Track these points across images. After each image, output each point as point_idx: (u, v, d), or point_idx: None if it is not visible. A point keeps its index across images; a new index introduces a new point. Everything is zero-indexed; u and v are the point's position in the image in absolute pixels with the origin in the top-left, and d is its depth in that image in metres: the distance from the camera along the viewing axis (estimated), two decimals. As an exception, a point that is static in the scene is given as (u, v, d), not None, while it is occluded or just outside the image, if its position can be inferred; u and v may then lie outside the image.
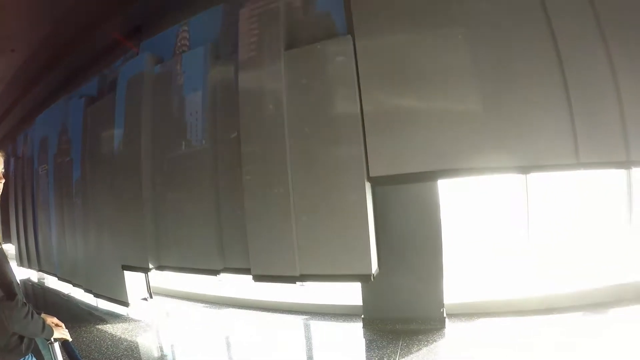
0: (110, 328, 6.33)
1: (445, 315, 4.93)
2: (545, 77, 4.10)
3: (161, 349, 5.54)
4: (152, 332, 5.99)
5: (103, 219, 7.11)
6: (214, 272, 5.64)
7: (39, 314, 2.48)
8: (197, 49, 5.89)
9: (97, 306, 7.55)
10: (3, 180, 2.33)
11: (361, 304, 5.30)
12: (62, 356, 2.55)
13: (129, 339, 5.80)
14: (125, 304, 6.75)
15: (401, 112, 4.50)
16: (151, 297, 7.08)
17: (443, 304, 4.95)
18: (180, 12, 6.29)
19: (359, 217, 4.53)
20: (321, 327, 5.63)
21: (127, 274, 6.66)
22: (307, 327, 5.66)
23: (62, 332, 2.53)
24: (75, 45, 7.58)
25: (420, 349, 4.45)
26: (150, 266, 6.22)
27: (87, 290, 7.80)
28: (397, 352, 4.43)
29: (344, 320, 5.53)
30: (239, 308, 6.47)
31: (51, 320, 2.55)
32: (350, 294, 5.76)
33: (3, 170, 2.35)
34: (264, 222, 4.99)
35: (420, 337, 4.70)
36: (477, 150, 4.27)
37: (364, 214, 4.52)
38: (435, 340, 4.61)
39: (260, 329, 5.72)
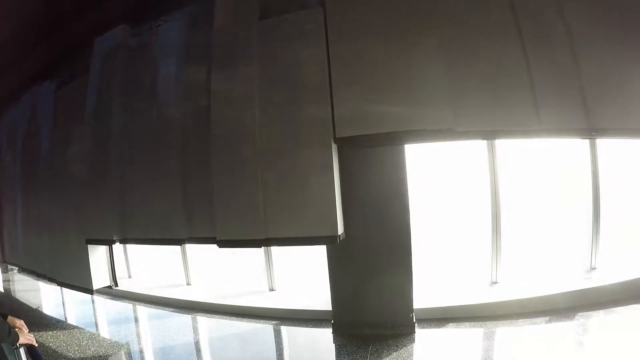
0: (78, 333, 6.22)
1: (414, 320, 4.96)
2: (507, 47, 4.39)
3: (129, 355, 5.45)
4: (120, 338, 5.88)
5: (68, 195, 7.06)
6: (179, 242, 5.70)
7: (5, 317, 2.44)
8: (172, 19, 5.95)
9: (65, 320, 7.37)
10: None
11: (331, 309, 5.29)
12: (27, 361, 2.52)
13: (97, 345, 5.70)
14: (89, 291, 6.68)
15: (368, 75, 4.60)
16: (116, 285, 7.02)
17: (412, 309, 4.98)
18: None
19: (325, 179, 4.61)
20: (291, 333, 5.58)
21: (93, 261, 6.63)
22: (277, 333, 5.61)
23: (27, 337, 2.49)
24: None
25: (390, 353, 4.47)
26: (115, 238, 6.24)
27: (51, 280, 7.75)
28: (366, 357, 4.44)
29: (313, 326, 5.51)
30: (208, 313, 6.40)
31: (20, 323, 2.51)
32: (320, 299, 5.79)
33: None
34: (230, 186, 5.04)
35: (390, 342, 4.73)
36: (442, 113, 4.44)
37: (330, 176, 4.59)
38: (404, 345, 4.64)
39: (230, 335, 5.67)
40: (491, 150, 5.45)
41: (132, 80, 6.22)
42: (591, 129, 4.40)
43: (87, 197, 6.63)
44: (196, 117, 5.46)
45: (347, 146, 4.79)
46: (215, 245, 5.24)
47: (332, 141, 4.63)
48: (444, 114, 4.44)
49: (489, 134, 4.81)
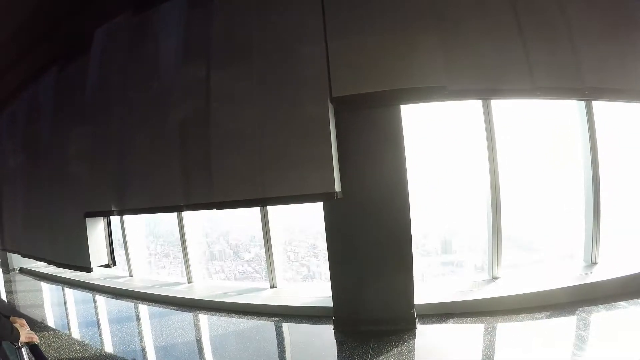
0: (80, 333, 6.24)
1: (415, 315, 4.96)
2: (499, 4, 4.55)
3: (131, 353, 5.45)
4: (121, 337, 5.88)
5: (66, 171, 7.08)
6: (177, 208, 5.86)
7: (7, 317, 2.44)
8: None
9: (67, 318, 7.39)
10: None
11: (332, 305, 5.29)
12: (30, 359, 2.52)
13: (99, 343, 5.72)
14: (87, 269, 6.69)
15: (365, 33, 4.62)
16: (114, 264, 7.02)
17: (413, 305, 4.98)
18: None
19: (322, 136, 4.59)
20: (292, 329, 5.60)
21: (91, 238, 6.62)
22: (278, 329, 5.63)
23: (29, 336, 2.50)
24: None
25: (391, 349, 4.48)
26: (114, 209, 6.29)
27: (50, 262, 7.77)
28: (368, 352, 4.44)
29: (315, 322, 5.51)
30: (209, 311, 6.41)
31: (21, 322, 2.52)
32: (322, 295, 5.81)
33: None
34: (228, 148, 5.05)
35: (391, 337, 4.73)
36: (435, 72, 4.50)
37: (326, 133, 4.58)
38: (406, 341, 4.64)
39: (231, 332, 5.67)
40: (490, 134, 5.49)
41: (130, 52, 6.23)
42: (585, 89, 4.46)
43: (84, 171, 6.69)
44: (194, 85, 5.45)
45: (343, 107, 4.82)
46: (214, 210, 5.32)
47: (329, 100, 4.64)
48: (437, 73, 4.49)
49: (482, 93, 4.88)
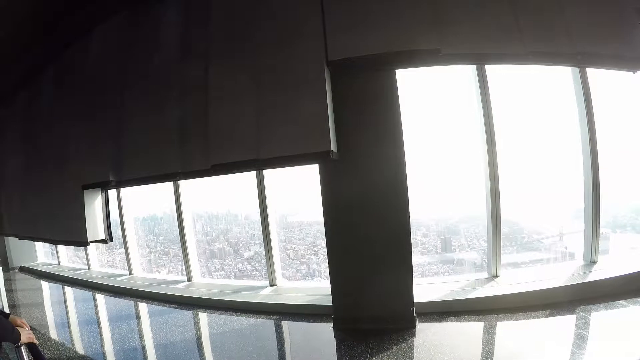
0: (80, 331, 6.24)
1: (415, 314, 4.97)
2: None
3: (131, 352, 5.45)
4: (121, 335, 5.87)
5: (64, 144, 7.15)
6: (174, 176, 5.81)
7: (6, 317, 2.45)
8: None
9: (66, 317, 7.39)
10: None
11: (331, 303, 5.29)
12: (29, 359, 2.53)
13: (98, 342, 5.71)
14: (84, 243, 6.71)
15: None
16: (111, 239, 7.02)
17: (413, 303, 4.99)
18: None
19: (318, 98, 4.66)
20: (292, 328, 5.59)
21: (88, 212, 6.66)
22: (278, 328, 5.63)
23: (29, 336, 2.51)
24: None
25: (390, 347, 4.47)
26: (111, 179, 6.35)
27: (47, 240, 7.92)
28: (367, 351, 4.44)
29: (314, 320, 5.52)
30: (209, 309, 6.41)
31: (21, 322, 2.52)
32: (321, 294, 5.81)
33: None
34: (225, 111, 5.17)
35: (390, 336, 4.73)
36: (428, 35, 4.61)
37: (322, 95, 4.64)
38: (405, 339, 4.64)
39: (231, 330, 5.66)
40: (488, 125, 5.51)
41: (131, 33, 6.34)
42: (577, 53, 4.53)
43: (82, 143, 6.77)
44: (194, 55, 5.55)
45: (339, 70, 4.85)
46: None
47: (325, 64, 4.70)
48: (431, 36, 4.59)
49: (475, 58, 4.96)
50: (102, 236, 6.87)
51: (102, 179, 6.43)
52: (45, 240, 7.98)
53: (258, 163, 5.02)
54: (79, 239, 6.75)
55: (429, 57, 4.68)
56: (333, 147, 4.67)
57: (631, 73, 4.68)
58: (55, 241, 7.66)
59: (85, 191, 6.62)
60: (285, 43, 4.88)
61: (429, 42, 4.59)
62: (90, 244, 6.85)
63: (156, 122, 5.83)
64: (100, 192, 6.80)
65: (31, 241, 12.42)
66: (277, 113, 4.84)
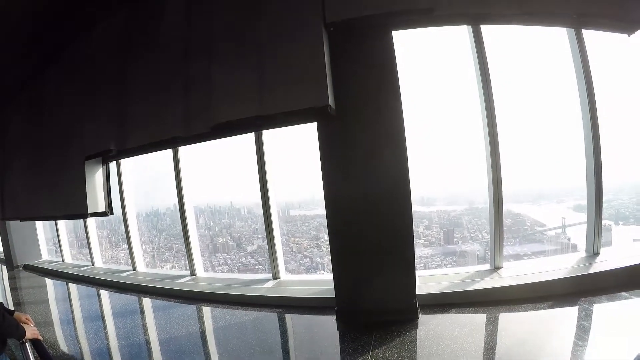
0: (84, 327, 6.27)
1: (417, 306, 4.97)
2: None
3: (135, 347, 5.47)
4: (125, 331, 5.90)
5: (66, 115, 7.24)
6: (174, 142, 5.96)
7: (11, 313, 2.47)
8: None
9: (70, 313, 7.43)
10: None
11: (334, 296, 5.30)
12: (34, 355, 2.55)
13: (102, 338, 5.74)
14: (83, 215, 6.81)
15: None
16: (111, 212, 7.06)
17: (415, 295, 4.99)
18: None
19: (317, 55, 4.72)
20: (295, 320, 5.61)
21: (89, 184, 6.74)
22: (281, 321, 5.64)
23: (33, 332, 2.53)
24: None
25: (393, 339, 4.48)
26: (113, 148, 6.41)
27: (49, 217, 8.09)
28: (370, 343, 4.45)
29: (317, 313, 5.54)
30: (213, 303, 6.43)
31: (26, 318, 2.54)
32: (324, 286, 5.83)
33: None
34: (225, 72, 5.24)
35: (393, 328, 4.74)
36: None
37: (321, 53, 4.71)
38: (408, 331, 4.65)
39: (235, 324, 5.68)
40: (490, 114, 5.51)
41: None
42: (573, 14, 4.58)
43: (83, 114, 6.86)
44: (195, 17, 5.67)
45: (336, 33, 4.90)
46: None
47: (323, 27, 4.77)
48: None
49: (469, 18, 5.03)
50: (102, 208, 6.90)
51: (103, 148, 6.50)
52: (46, 218, 8.03)
53: (258, 121, 5.08)
54: (79, 212, 6.79)
55: (424, 16, 4.75)
56: (331, 101, 4.69)
57: (626, 36, 4.67)
58: (57, 217, 7.69)
59: (86, 163, 6.65)
60: (284, 4, 4.97)
61: (423, 2, 4.66)
62: (90, 216, 6.93)
63: (156, 87, 5.93)
64: (101, 165, 6.85)
65: (34, 238, 12.55)
66: (276, 73, 4.90)
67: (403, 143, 4.83)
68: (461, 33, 5.57)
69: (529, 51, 5.90)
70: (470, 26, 5.47)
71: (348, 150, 4.97)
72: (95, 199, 6.81)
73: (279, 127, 5.39)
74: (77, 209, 6.84)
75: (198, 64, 5.52)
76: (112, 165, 8.16)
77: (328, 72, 4.73)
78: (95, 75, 6.67)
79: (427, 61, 6.48)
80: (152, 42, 6.04)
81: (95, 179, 6.82)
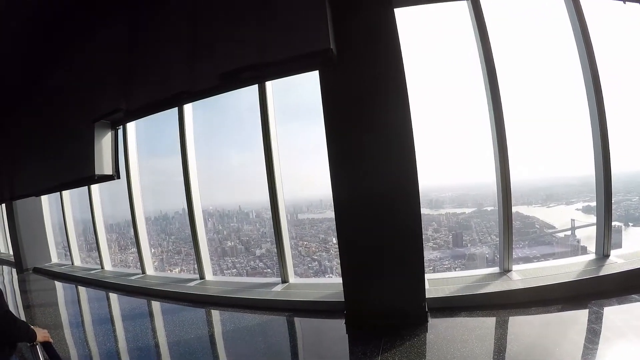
0: (94, 330, 6.30)
1: (427, 309, 4.96)
2: None
3: (144, 350, 5.49)
4: (134, 334, 5.92)
5: (72, 79, 7.25)
6: (179, 99, 6.05)
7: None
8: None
9: (80, 316, 7.48)
10: None
11: (343, 299, 5.30)
12: (44, 358, 2.57)
13: (112, 340, 5.77)
14: (91, 178, 6.79)
15: None
16: (118, 177, 7.09)
17: (424, 299, 4.98)
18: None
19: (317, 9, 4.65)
20: (304, 324, 5.62)
21: (97, 146, 6.71)
22: (290, 324, 5.65)
23: (43, 335, 2.55)
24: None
25: (403, 343, 4.47)
26: (121, 108, 6.39)
27: (57, 187, 8.16)
28: (379, 346, 4.44)
29: (326, 317, 5.52)
30: (222, 307, 6.45)
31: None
32: (333, 290, 5.83)
33: None
34: (231, 18, 5.23)
35: (402, 332, 4.72)
36: None
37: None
38: (417, 335, 4.64)
39: (244, 327, 5.69)
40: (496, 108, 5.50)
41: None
42: None
43: (90, 76, 6.84)
44: None
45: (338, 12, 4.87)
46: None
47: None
48: None
49: None
50: (109, 171, 6.92)
51: (110, 108, 6.50)
52: (54, 189, 8.05)
53: (261, 68, 5.01)
54: (86, 174, 6.79)
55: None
56: (332, 46, 4.61)
57: (622, 3, 4.67)
58: (63, 185, 7.71)
59: (95, 125, 6.69)
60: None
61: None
62: (97, 180, 6.94)
63: (161, 43, 5.94)
64: (110, 129, 6.87)
65: (44, 241, 12.62)
66: (277, 19, 4.85)
67: (411, 143, 4.82)
68: (464, 32, 5.58)
69: (533, 40, 5.90)
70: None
71: (356, 146, 4.98)
72: (102, 162, 6.81)
73: (282, 75, 5.31)
74: (84, 172, 6.84)
75: (201, 15, 5.51)
76: (121, 165, 8.23)
77: (329, 19, 4.67)
78: (98, 33, 6.71)
79: (428, 55, 6.47)
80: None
81: (103, 142, 6.79)
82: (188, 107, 7.41)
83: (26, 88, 8.40)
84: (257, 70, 5.06)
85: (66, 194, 11.44)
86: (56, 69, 7.56)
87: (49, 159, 7.90)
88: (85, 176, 6.80)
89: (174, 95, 5.77)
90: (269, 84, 6.42)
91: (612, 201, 5.49)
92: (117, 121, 6.76)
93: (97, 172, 6.69)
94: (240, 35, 5.06)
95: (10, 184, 9.77)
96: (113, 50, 6.42)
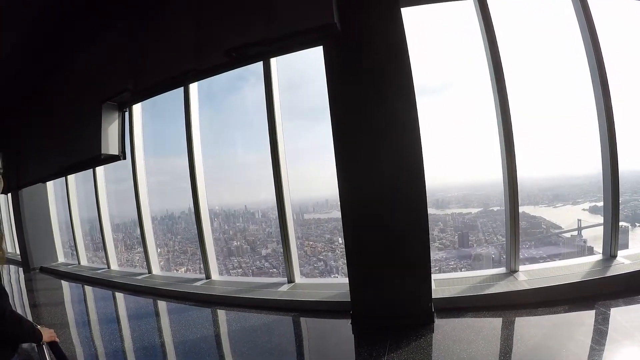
0: (100, 329, 6.33)
1: (433, 310, 4.95)
2: None
3: (150, 349, 5.51)
4: (140, 333, 5.94)
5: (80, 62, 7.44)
6: (186, 77, 6.03)
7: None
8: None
9: (86, 316, 7.52)
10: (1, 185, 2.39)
11: (349, 300, 5.29)
12: (50, 358, 2.58)
13: (118, 340, 5.80)
14: (98, 157, 6.95)
15: None
16: (124, 157, 7.16)
17: (431, 299, 4.98)
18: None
19: None
20: (310, 324, 5.63)
21: (104, 127, 6.85)
22: (296, 324, 5.66)
23: (50, 334, 2.56)
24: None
25: (409, 343, 4.46)
26: (129, 87, 6.51)
27: (64, 170, 8.31)
28: (385, 347, 4.43)
29: (332, 317, 5.53)
30: (228, 307, 6.46)
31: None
32: (339, 290, 5.83)
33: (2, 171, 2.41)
34: None
35: (408, 332, 4.71)
36: None
37: None
38: (423, 335, 4.63)
39: (249, 327, 5.71)
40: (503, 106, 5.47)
41: None
42: None
43: (99, 58, 7.02)
44: None
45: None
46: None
47: None
48: None
49: None
50: (115, 151, 6.98)
51: (118, 89, 6.62)
52: (62, 173, 8.17)
53: (266, 44, 5.09)
54: (93, 154, 6.88)
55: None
56: (336, 19, 4.65)
57: None
58: (70, 167, 7.80)
59: (103, 106, 6.75)
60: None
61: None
62: (102, 161, 7.22)
63: (168, 22, 6.09)
64: (117, 111, 6.93)
65: (51, 241, 12.67)
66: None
67: (418, 142, 4.82)
68: (470, 29, 5.58)
69: (539, 37, 5.89)
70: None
71: (363, 141, 4.98)
72: (109, 142, 6.88)
73: (287, 52, 5.40)
74: (90, 152, 6.91)
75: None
76: (128, 165, 8.28)
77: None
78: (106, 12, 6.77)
79: (435, 53, 6.47)
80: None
81: (110, 123, 6.89)
82: (195, 106, 7.42)
83: (34, 72, 8.45)
84: (263, 46, 5.14)
85: (73, 193, 11.49)
86: (65, 51, 7.59)
87: (57, 140, 7.98)
88: (91, 156, 6.90)
89: (181, 73, 5.84)
90: (275, 82, 6.40)
91: (620, 201, 5.46)
92: (124, 102, 6.84)
93: (104, 151, 6.77)
94: (245, 11, 5.13)
95: (17, 170, 9.88)
96: (120, 30, 6.50)
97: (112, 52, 6.69)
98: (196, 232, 7.75)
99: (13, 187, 10.20)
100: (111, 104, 6.87)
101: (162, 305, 7.19)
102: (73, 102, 7.47)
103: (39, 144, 8.84)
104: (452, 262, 6.87)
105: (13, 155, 10.18)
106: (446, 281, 5.74)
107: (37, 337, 2.48)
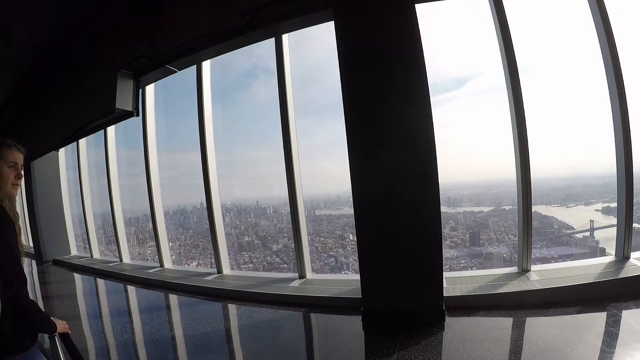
0: (111, 322, 6.39)
1: (444, 308, 4.96)
2: None
3: (161, 342, 5.54)
4: (152, 326, 5.99)
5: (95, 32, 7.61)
6: (201, 44, 6.31)
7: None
8: None
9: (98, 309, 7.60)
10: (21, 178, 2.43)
11: (360, 296, 5.30)
12: (62, 349, 2.60)
13: (129, 332, 5.85)
14: (111, 111, 7.22)
15: None
16: (137, 114, 7.30)
17: (442, 297, 4.98)
18: None
19: None
20: (321, 320, 5.64)
21: (119, 90, 7.11)
22: (307, 320, 5.68)
23: (63, 326, 2.60)
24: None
25: (419, 341, 4.46)
26: (145, 54, 6.80)
27: (80, 133, 8.71)
28: (396, 344, 4.44)
29: (343, 313, 5.55)
30: (239, 301, 6.50)
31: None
32: (350, 286, 5.84)
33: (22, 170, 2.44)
34: None
35: (419, 330, 4.72)
36: None
37: None
38: (434, 333, 4.63)
39: (260, 322, 5.73)
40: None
41: None
42: None
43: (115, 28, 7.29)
44: None
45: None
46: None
47: None
48: None
49: None
50: (129, 107, 7.14)
51: (140, 53, 6.85)
52: (74, 136, 8.55)
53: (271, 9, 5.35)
54: (107, 108, 7.15)
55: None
56: None
57: None
58: (84, 126, 8.03)
59: (119, 72, 7.00)
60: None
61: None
62: (116, 117, 7.45)
63: None
64: (132, 79, 7.18)
65: (64, 234, 12.79)
66: None
67: (431, 137, 4.81)
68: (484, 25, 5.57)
69: (554, 35, 5.86)
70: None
71: (375, 141, 5.00)
72: (124, 98, 7.05)
73: (298, 16, 5.49)
74: (105, 106, 7.14)
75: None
76: (141, 160, 8.34)
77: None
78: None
79: (449, 50, 6.46)
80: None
81: (125, 85, 7.11)
82: (207, 101, 7.44)
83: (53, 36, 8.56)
84: (275, 6, 5.34)
85: (86, 187, 11.60)
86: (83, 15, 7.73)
87: (70, 103, 8.17)
88: (107, 110, 7.02)
89: (195, 38, 5.93)
90: (288, 79, 6.41)
91: (634, 202, 5.42)
92: (139, 71, 6.94)
93: (119, 106, 6.94)
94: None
95: (30, 138, 10.04)
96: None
97: (129, 18, 6.84)
98: (208, 226, 7.79)
99: (26, 158, 10.35)
100: (126, 72, 7.08)
101: (173, 298, 7.24)
102: (89, 68, 7.61)
103: (52, 111, 8.98)
104: (463, 261, 6.86)
105: (24, 125, 10.41)
106: (457, 279, 5.73)
107: (52, 328, 2.51)
